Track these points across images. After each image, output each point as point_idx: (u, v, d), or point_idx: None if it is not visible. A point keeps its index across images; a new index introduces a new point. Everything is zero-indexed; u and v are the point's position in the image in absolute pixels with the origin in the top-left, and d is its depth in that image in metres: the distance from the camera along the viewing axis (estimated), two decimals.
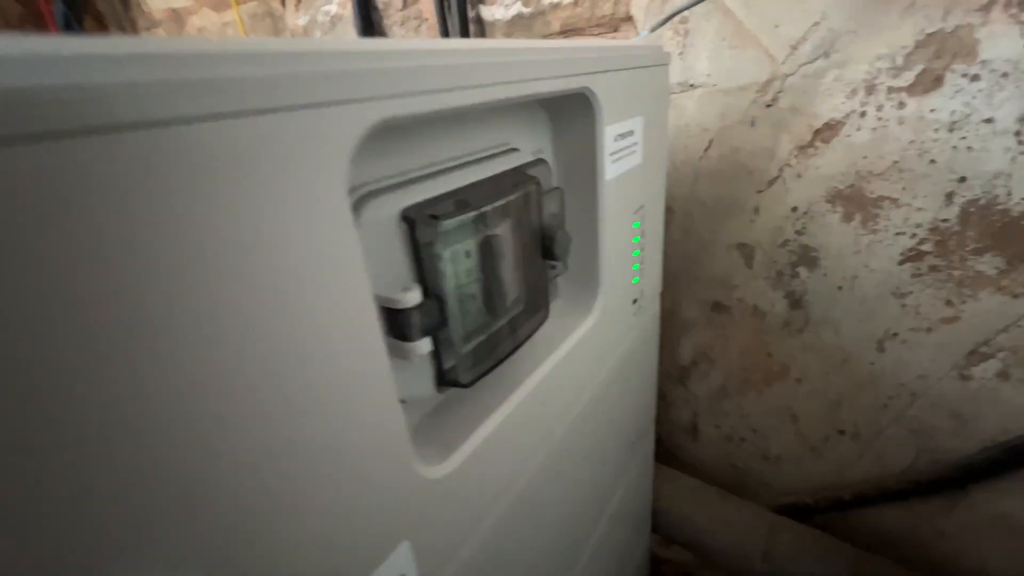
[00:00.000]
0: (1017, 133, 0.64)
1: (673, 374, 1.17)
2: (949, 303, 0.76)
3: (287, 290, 0.23)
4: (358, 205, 0.31)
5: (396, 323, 0.34)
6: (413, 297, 0.33)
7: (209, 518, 0.20)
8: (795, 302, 0.91)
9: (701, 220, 0.97)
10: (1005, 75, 0.63)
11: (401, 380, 0.35)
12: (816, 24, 0.74)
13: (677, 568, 1.37)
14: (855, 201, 0.79)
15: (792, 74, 0.78)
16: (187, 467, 0.19)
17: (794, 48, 0.76)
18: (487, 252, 0.41)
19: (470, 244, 0.40)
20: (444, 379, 0.39)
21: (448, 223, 0.35)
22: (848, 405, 0.92)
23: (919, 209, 0.74)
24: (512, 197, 0.41)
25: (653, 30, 0.81)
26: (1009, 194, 0.67)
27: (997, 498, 0.81)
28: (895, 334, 0.83)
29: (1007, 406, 0.76)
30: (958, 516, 0.87)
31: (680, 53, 0.87)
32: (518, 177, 0.42)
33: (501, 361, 0.43)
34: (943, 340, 0.79)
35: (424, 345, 0.35)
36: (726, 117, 0.87)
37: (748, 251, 0.94)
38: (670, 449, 1.27)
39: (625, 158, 0.59)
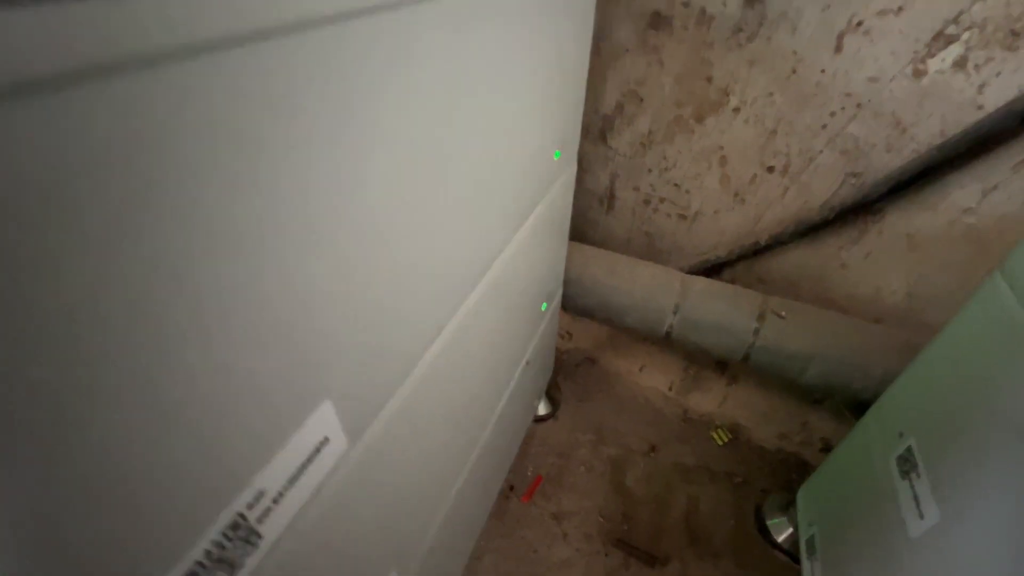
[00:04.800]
0: None
1: (593, 129, 0.99)
2: None
3: None
4: None
5: None
6: None
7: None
8: None
9: None
10: None
11: None
12: None
13: (578, 355, 1.36)
14: None
15: None
16: None
17: None
18: None
19: None
20: None
21: None
22: (785, 132, 0.82)
23: None
24: None
25: None
26: None
27: (910, 214, 0.80)
28: (859, 23, 0.70)
29: (953, 102, 0.70)
30: (865, 244, 0.86)
31: None
32: None
33: None
34: (911, 22, 0.67)
35: None
36: None
37: None
38: (581, 227, 1.15)
39: None
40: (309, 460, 0.24)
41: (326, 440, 0.23)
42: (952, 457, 0.54)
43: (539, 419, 1.20)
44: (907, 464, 0.61)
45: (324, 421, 0.26)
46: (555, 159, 0.67)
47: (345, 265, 0.28)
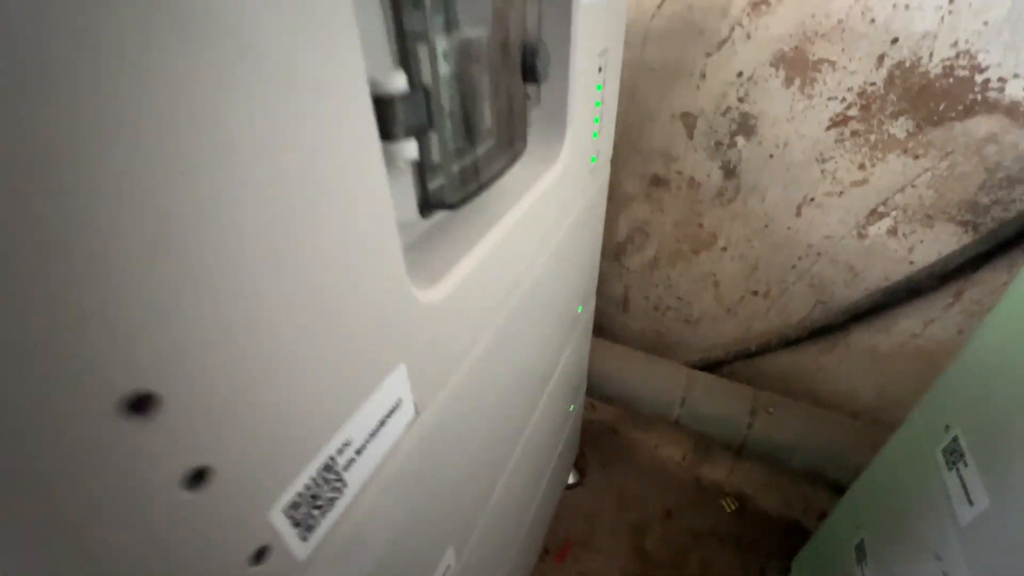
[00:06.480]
0: None
1: (609, 252, 1.21)
2: (862, 167, 0.84)
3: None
4: None
5: (379, 118, 0.29)
6: (399, 82, 0.28)
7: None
8: (729, 172, 0.96)
9: (647, 87, 0.95)
10: None
11: None
12: None
13: (602, 426, 1.55)
14: (797, 65, 0.81)
15: None
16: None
17: None
18: (466, 56, 0.36)
19: (448, 43, 0.34)
20: (429, 200, 0.35)
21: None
22: (763, 268, 1.03)
23: (852, 72, 0.78)
24: None
25: None
26: (931, 55, 0.72)
27: (870, 335, 0.98)
28: (812, 199, 0.91)
29: (890, 258, 0.89)
30: (837, 353, 1.04)
31: None
32: None
33: (485, 186, 0.40)
34: (851, 203, 0.88)
35: (410, 149, 0.31)
36: None
37: (691, 121, 0.95)
38: (601, 323, 1.36)
39: None
40: (386, 418, 0.27)
41: (400, 401, 0.26)
42: (899, 554, 0.71)
43: (569, 487, 1.39)
44: (861, 554, 0.79)
45: (399, 382, 0.29)
46: (579, 312, 0.89)
47: None
